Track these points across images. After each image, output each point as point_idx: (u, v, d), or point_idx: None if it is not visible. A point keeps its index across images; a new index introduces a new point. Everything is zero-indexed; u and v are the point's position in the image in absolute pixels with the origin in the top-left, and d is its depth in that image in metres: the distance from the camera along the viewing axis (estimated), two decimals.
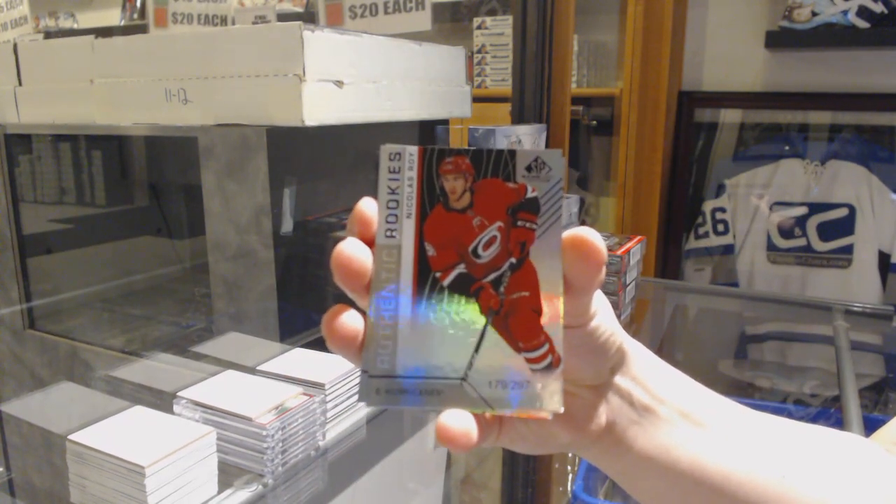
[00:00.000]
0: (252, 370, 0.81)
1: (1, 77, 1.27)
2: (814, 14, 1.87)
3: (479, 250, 0.31)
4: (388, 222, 0.31)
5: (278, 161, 0.98)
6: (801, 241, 2.00)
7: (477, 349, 0.30)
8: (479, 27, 2.52)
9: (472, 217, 0.31)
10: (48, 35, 2.10)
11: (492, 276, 0.31)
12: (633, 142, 2.11)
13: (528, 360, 0.30)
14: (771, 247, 2.04)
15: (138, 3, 3.65)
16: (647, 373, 0.37)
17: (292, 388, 0.76)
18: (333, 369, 0.80)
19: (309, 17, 2.91)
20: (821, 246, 1.98)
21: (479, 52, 2.53)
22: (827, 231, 1.97)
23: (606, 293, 1.18)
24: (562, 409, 0.29)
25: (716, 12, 2.15)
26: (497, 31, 2.50)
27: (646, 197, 2.11)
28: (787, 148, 2.06)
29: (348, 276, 0.30)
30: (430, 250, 0.30)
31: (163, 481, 0.63)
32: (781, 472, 0.36)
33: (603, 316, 0.34)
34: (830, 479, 0.37)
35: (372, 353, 0.29)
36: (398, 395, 0.29)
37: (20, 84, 1.26)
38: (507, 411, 0.30)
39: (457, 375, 0.30)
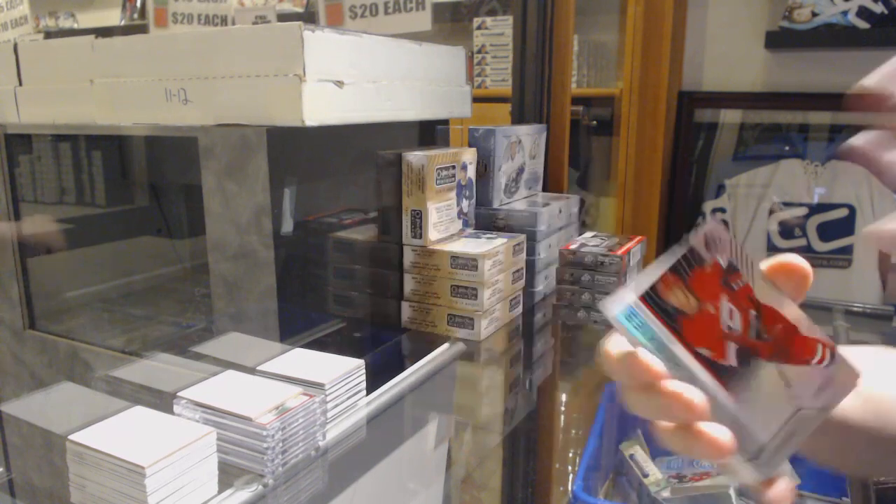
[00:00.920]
0: (252, 370, 0.81)
1: (1, 77, 1.27)
2: (814, 14, 1.87)
3: (731, 325, 0.36)
4: (673, 369, 0.36)
5: (278, 161, 0.98)
6: (801, 242, 2.00)
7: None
8: (479, 27, 2.52)
9: (706, 308, 0.36)
10: (48, 35, 2.10)
11: (753, 334, 0.37)
12: (634, 142, 2.11)
13: (818, 363, 0.37)
14: (771, 247, 2.04)
15: (138, 3, 3.65)
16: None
17: (292, 389, 0.76)
18: (333, 369, 0.80)
19: (309, 17, 2.91)
20: (821, 246, 1.98)
21: (479, 52, 2.54)
22: (827, 231, 1.97)
23: (605, 294, 1.18)
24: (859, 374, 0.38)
25: (716, 12, 2.15)
26: (497, 31, 2.50)
27: (646, 197, 2.11)
28: (787, 148, 2.06)
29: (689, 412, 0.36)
30: (706, 353, 0.35)
31: (163, 481, 0.63)
32: None
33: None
34: None
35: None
36: (766, 468, 0.38)
37: (20, 84, 1.26)
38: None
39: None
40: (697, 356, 0.36)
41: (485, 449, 1.09)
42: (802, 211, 2.00)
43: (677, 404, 0.35)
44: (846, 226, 1.95)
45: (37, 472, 1.21)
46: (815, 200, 1.98)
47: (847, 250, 1.95)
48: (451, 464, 1.04)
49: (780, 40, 1.96)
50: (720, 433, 0.35)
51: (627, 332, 0.35)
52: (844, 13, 1.83)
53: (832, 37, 1.87)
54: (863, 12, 1.82)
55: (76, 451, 0.66)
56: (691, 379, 0.35)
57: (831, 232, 1.97)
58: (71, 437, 0.66)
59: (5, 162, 1.32)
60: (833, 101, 2.02)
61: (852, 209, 1.94)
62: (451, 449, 1.01)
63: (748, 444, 0.37)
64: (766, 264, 0.37)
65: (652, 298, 0.35)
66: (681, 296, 0.36)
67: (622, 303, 0.35)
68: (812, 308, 1.43)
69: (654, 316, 0.35)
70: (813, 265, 1.42)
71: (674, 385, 0.35)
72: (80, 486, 0.66)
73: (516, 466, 1.11)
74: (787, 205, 2.03)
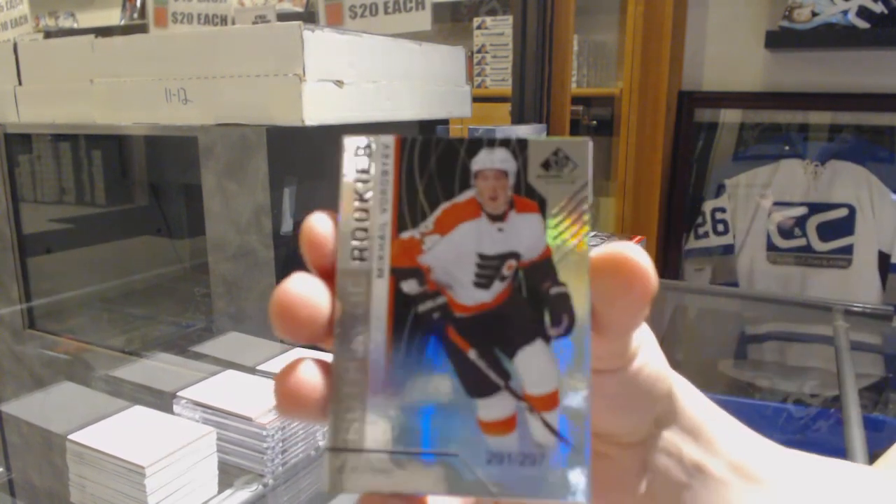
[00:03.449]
0: (252, 370, 0.81)
1: (1, 77, 1.27)
2: (814, 14, 1.86)
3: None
4: (355, 239, 0.23)
5: (278, 161, 0.98)
6: (801, 242, 2.00)
7: (472, 411, 0.22)
8: (479, 27, 2.52)
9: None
10: (48, 35, 2.10)
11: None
12: (633, 142, 2.11)
13: (543, 422, 0.22)
14: (771, 247, 2.04)
15: (138, 3, 3.65)
16: (697, 418, 0.29)
17: None
18: None
19: (309, 17, 2.91)
20: (821, 246, 1.98)
21: (479, 52, 2.53)
22: (827, 231, 1.97)
23: None
24: (586, 499, 0.22)
25: (716, 12, 2.15)
26: (497, 30, 2.50)
27: (646, 197, 2.11)
28: (787, 148, 2.06)
29: (295, 326, 0.22)
30: (411, 276, 0.23)
31: (163, 481, 0.63)
32: None
33: (647, 353, 0.26)
34: None
35: (335, 419, 0.22)
36: (369, 476, 0.22)
37: (20, 83, 1.26)
38: (512, 498, 0.22)
39: (445, 448, 0.22)
40: (396, 272, 0.23)
41: None
42: (801, 211, 2.00)
43: (286, 298, 0.22)
44: (846, 226, 1.95)
45: (37, 471, 1.21)
46: (815, 200, 1.98)
47: (847, 250, 1.95)
48: None
49: (780, 40, 1.96)
50: None
51: (348, 170, 0.24)
52: (844, 13, 1.83)
53: (832, 37, 1.87)
54: (863, 12, 1.82)
55: (76, 451, 0.66)
56: (365, 289, 0.23)
57: (831, 232, 1.97)
58: (71, 436, 0.66)
59: (5, 162, 1.32)
60: (833, 100, 2.01)
61: (852, 209, 1.94)
62: None
63: (341, 429, 0.22)
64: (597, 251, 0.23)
65: (411, 155, 0.23)
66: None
67: (372, 136, 0.24)
68: (812, 308, 1.43)
69: (393, 174, 0.24)
70: (813, 265, 1.42)
71: (301, 280, 0.23)
72: (80, 486, 0.66)
73: None
74: (787, 204, 2.02)
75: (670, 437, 0.28)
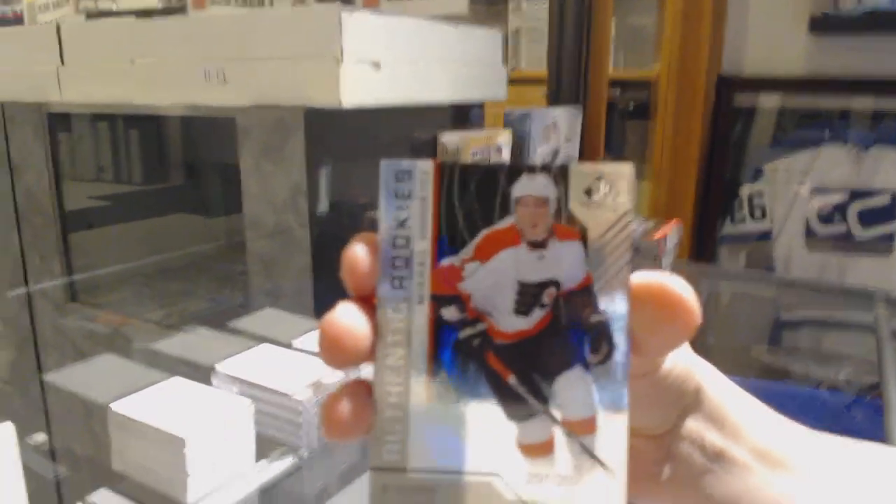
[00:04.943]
0: (288, 345, 0.83)
1: (44, 57, 1.29)
2: (860, 0, 1.82)
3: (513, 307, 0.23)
4: (395, 267, 0.23)
5: (315, 142, 0.99)
6: (842, 228, 1.96)
7: (511, 434, 0.23)
8: (515, 9, 2.50)
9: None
10: (89, 16, 2.13)
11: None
12: (670, 126, 2.08)
13: (581, 446, 0.23)
14: (810, 233, 2.01)
15: None
16: (722, 407, 0.30)
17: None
18: None
19: None
20: (861, 233, 1.94)
21: (514, 34, 2.52)
22: (868, 218, 1.93)
23: None
24: None
25: None
26: (533, 13, 2.48)
27: (681, 181, 2.09)
28: (828, 133, 2.02)
29: (342, 356, 0.23)
30: (450, 303, 0.23)
31: (202, 452, 0.64)
32: None
33: (676, 354, 0.27)
34: None
35: (377, 440, 0.23)
36: (411, 495, 0.22)
37: (63, 63, 1.28)
38: None
39: (486, 470, 0.23)
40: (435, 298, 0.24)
41: None
42: (842, 197, 1.96)
43: (333, 330, 0.23)
44: (888, 212, 1.91)
45: (77, 439, 1.24)
46: (857, 187, 1.94)
47: (889, 237, 1.91)
48: None
49: (824, 25, 1.91)
50: None
51: (387, 197, 0.24)
52: None
53: (879, 22, 1.83)
54: None
55: (118, 420, 0.67)
56: (406, 315, 0.24)
57: (872, 219, 1.92)
58: (112, 405, 0.68)
59: (48, 140, 1.34)
60: (877, 87, 1.97)
61: (895, 196, 1.90)
62: None
63: (384, 450, 0.23)
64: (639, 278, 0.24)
65: (450, 180, 0.23)
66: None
67: (410, 161, 0.24)
68: (853, 295, 1.41)
69: (432, 200, 0.24)
70: (853, 252, 1.40)
71: (346, 310, 0.23)
72: (122, 454, 0.68)
73: None
74: (827, 190, 1.99)
75: (694, 425, 0.29)
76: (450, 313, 0.23)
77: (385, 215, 0.23)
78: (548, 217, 0.23)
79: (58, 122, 1.37)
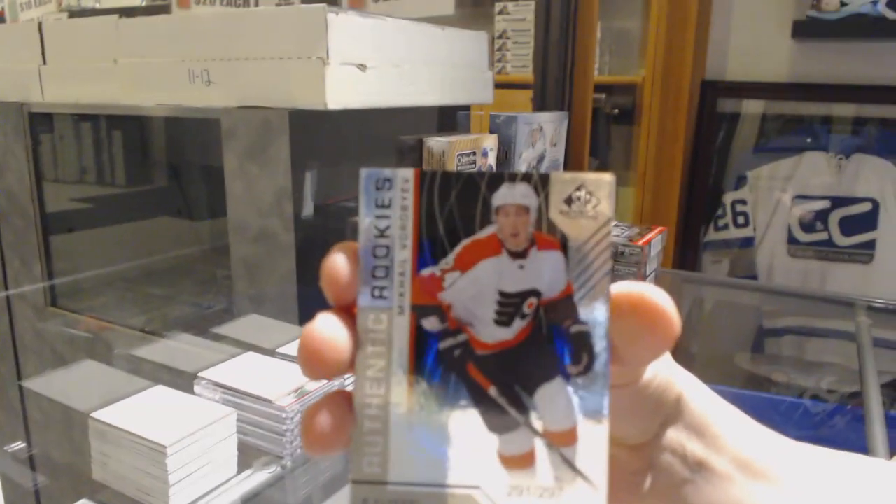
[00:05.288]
0: (271, 352, 0.82)
1: (26, 55, 1.28)
2: (843, 4, 1.84)
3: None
4: (375, 277, 0.23)
5: (300, 144, 0.98)
6: (823, 235, 1.98)
7: (492, 446, 0.23)
8: (500, 12, 2.51)
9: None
10: (71, 14, 2.11)
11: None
12: (655, 131, 2.09)
13: (562, 458, 0.22)
14: (792, 240, 2.03)
15: None
16: (703, 418, 0.30)
17: None
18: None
19: (332, 0, 2.89)
20: (843, 240, 1.96)
21: (500, 37, 2.52)
22: (849, 225, 1.95)
23: None
24: None
25: (742, 0, 2.12)
26: (519, 16, 2.48)
27: (665, 187, 2.10)
28: (810, 140, 2.03)
29: (321, 368, 0.22)
30: (431, 314, 0.23)
31: (184, 460, 0.63)
32: None
33: (657, 365, 0.27)
34: None
35: (357, 453, 0.22)
36: None
37: (44, 63, 1.26)
38: None
39: (467, 482, 0.23)
40: (416, 308, 0.24)
41: None
42: (823, 204, 1.98)
43: (312, 341, 0.23)
44: (869, 220, 1.93)
45: (57, 447, 1.22)
46: (838, 194, 1.96)
47: (870, 245, 1.93)
48: None
49: (807, 30, 1.93)
50: None
51: (367, 205, 0.24)
52: (874, 3, 1.80)
53: (861, 27, 1.84)
54: (893, 2, 1.79)
55: (98, 429, 0.66)
56: (386, 325, 0.24)
57: (853, 226, 1.94)
58: (93, 414, 0.67)
59: (29, 140, 1.33)
60: (860, 93, 1.99)
61: (876, 203, 1.92)
62: None
63: (364, 462, 0.23)
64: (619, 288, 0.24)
65: (431, 188, 0.24)
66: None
67: (391, 170, 0.24)
68: (833, 303, 1.42)
69: (413, 207, 0.24)
70: (834, 260, 1.41)
71: (325, 321, 0.23)
72: (102, 463, 0.67)
73: None
74: (809, 198, 2.00)
75: (675, 435, 0.29)
76: (430, 324, 0.23)
77: (365, 224, 0.23)
78: (528, 226, 0.23)
79: (39, 122, 1.35)
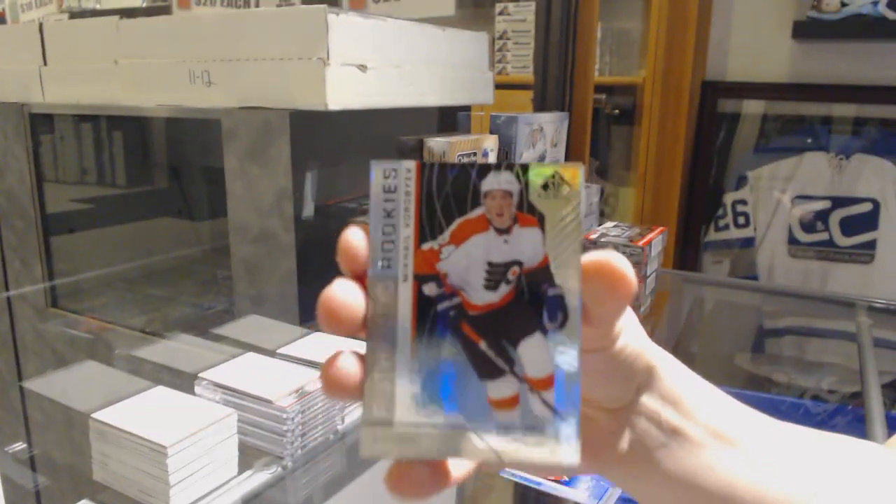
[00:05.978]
0: (272, 353, 0.82)
1: (26, 56, 1.28)
2: (843, 4, 1.84)
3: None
4: (383, 250, 0.27)
5: (301, 145, 0.98)
6: (824, 236, 1.98)
7: (482, 391, 0.27)
8: (501, 13, 2.50)
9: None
10: (72, 15, 2.11)
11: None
12: (655, 131, 2.09)
13: (541, 400, 0.26)
14: (792, 241, 2.02)
15: None
16: (677, 389, 0.33)
17: (312, 372, 0.76)
18: None
19: (332, 1, 2.89)
20: (843, 241, 1.96)
21: (500, 37, 2.52)
22: (850, 226, 1.95)
23: None
24: (577, 462, 0.26)
25: (742, 1, 2.12)
26: (519, 16, 2.48)
27: (666, 187, 2.10)
28: (811, 141, 2.03)
29: (339, 324, 0.26)
30: (430, 281, 0.27)
31: (184, 461, 0.63)
32: (814, 490, 0.33)
33: (629, 333, 0.31)
34: (866, 500, 0.34)
35: (368, 399, 0.26)
36: (397, 445, 0.26)
37: (45, 64, 1.27)
38: (515, 462, 0.26)
39: (461, 422, 0.26)
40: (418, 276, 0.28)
41: None
42: (824, 204, 1.98)
43: (331, 302, 0.26)
44: (870, 220, 1.93)
45: (58, 448, 1.22)
46: (839, 194, 1.96)
47: (870, 245, 1.93)
48: None
49: (807, 30, 1.93)
50: None
51: (376, 191, 0.28)
52: (875, 3, 1.80)
53: (861, 28, 1.84)
54: (893, 3, 1.79)
55: (99, 429, 0.66)
56: (393, 292, 0.28)
57: (854, 227, 1.94)
58: (94, 415, 0.67)
59: (29, 141, 1.33)
60: (860, 93, 1.99)
61: (876, 204, 1.92)
62: None
63: (374, 407, 0.27)
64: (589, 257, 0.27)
65: (430, 178, 0.28)
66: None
67: (396, 161, 0.28)
68: (834, 303, 1.42)
69: (415, 194, 0.28)
70: (835, 260, 1.40)
71: (342, 286, 0.27)
72: (103, 464, 0.67)
73: None
74: (809, 198, 2.00)
75: (651, 403, 0.33)
76: (430, 289, 0.27)
77: (375, 207, 0.27)
78: (512, 207, 0.27)
79: (40, 123, 1.35)
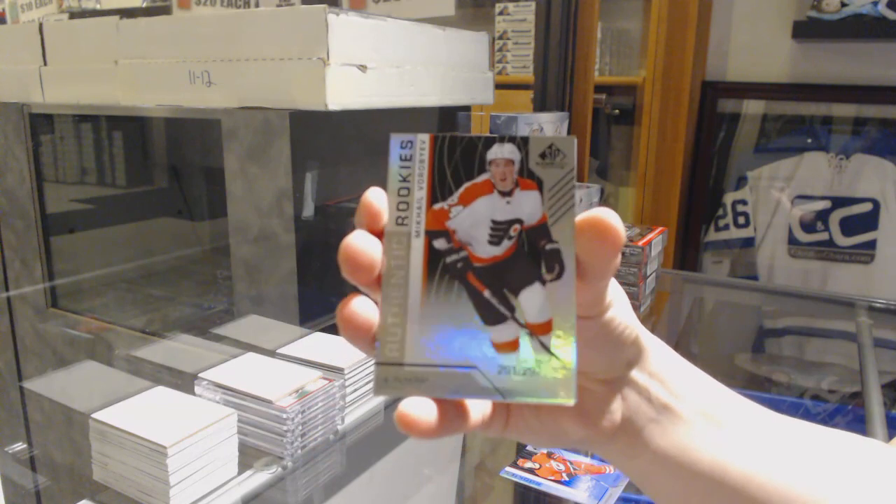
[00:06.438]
0: (272, 353, 0.82)
1: (26, 57, 1.28)
2: (843, 4, 1.84)
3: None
4: (399, 210, 0.30)
5: (301, 145, 0.98)
6: (824, 236, 1.98)
7: (486, 335, 0.29)
8: (501, 13, 2.50)
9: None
10: (72, 15, 2.12)
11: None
12: (655, 132, 2.09)
13: (540, 343, 0.29)
14: (792, 241, 2.02)
15: None
16: (665, 369, 0.36)
17: (312, 372, 0.76)
18: (353, 354, 0.81)
19: (332, 1, 2.89)
20: (843, 241, 1.96)
21: (500, 38, 2.52)
22: (850, 226, 1.95)
23: (625, 285, 1.17)
24: (573, 401, 0.28)
25: (742, 1, 2.12)
26: (519, 16, 2.48)
27: (666, 188, 2.10)
28: (811, 141, 2.03)
29: (357, 270, 0.29)
30: (440, 237, 0.30)
31: (184, 461, 0.63)
32: (802, 474, 0.35)
33: (619, 307, 0.33)
34: (850, 484, 0.35)
35: (381, 341, 0.29)
36: (406, 384, 0.29)
37: (45, 64, 1.27)
38: (517, 400, 0.29)
39: (466, 363, 0.29)
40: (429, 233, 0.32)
41: (498, 437, 1.09)
42: (824, 204, 1.98)
43: (351, 249, 0.29)
44: (869, 220, 1.93)
45: (58, 448, 1.22)
46: (839, 194, 1.96)
47: (870, 245, 1.93)
48: (466, 450, 1.04)
49: (807, 30, 1.93)
50: None
51: (393, 159, 0.32)
52: (874, 3, 1.80)
53: (861, 28, 1.84)
54: (893, 3, 1.79)
55: (99, 430, 0.66)
56: (406, 246, 0.31)
57: (854, 226, 1.94)
58: (94, 415, 0.67)
59: (29, 141, 1.33)
60: (860, 93, 1.99)
61: (876, 204, 1.92)
62: (466, 436, 1.01)
63: (387, 349, 0.30)
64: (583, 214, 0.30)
65: (441, 149, 0.32)
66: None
67: (413, 134, 0.32)
68: (834, 303, 1.42)
69: (427, 163, 0.32)
70: (835, 260, 1.40)
71: (361, 235, 0.30)
72: (103, 464, 0.67)
73: None
74: (809, 198, 2.00)
75: (641, 378, 0.35)
76: (440, 244, 0.30)
77: (392, 173, 0.31)
78: (514, 173, 0.30)
79: (40, 123, 1.35)
